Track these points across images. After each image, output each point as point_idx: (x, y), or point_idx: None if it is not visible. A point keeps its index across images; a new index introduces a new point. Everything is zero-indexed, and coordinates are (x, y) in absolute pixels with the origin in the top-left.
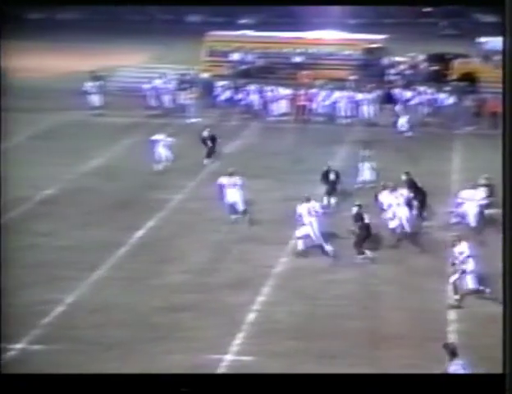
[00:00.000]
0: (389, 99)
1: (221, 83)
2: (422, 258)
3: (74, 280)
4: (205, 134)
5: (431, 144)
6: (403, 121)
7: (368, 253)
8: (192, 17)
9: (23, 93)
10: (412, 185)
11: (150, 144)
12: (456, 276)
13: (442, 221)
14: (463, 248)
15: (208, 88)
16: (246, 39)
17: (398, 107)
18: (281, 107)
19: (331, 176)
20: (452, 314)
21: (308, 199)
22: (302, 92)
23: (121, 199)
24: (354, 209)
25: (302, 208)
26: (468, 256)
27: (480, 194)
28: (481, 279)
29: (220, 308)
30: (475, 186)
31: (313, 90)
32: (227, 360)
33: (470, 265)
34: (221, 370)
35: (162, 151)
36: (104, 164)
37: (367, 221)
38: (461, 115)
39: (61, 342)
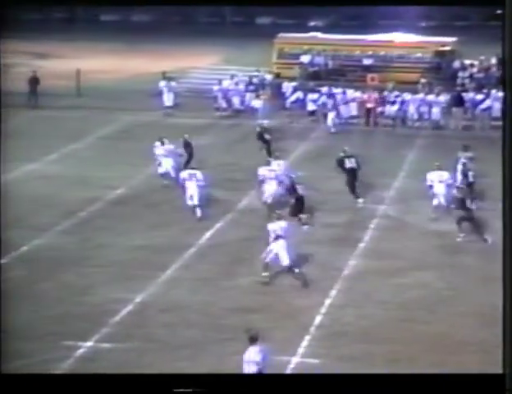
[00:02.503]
0: (459, 102)
1: (291, 85)
2: (495, 265)
3: (144, 279)
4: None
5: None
6: (331, 118)
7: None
8: (263, 19)
9: (97, 94)
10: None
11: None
12: (267, 252)
13: None
14: (278, 226)
15: (277, 90)
16: (316, 41)
17: (329, 102)
18: (351, 109)
19: (266, 136)
20: None
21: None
22: (371, 94)
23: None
24: (288, 180)
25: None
26: (279, 236)
27: (446, 174)
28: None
29: (288, 310)
30: (441, 168)
31: (383, 93)
32: (295, 362)
33: (280, 244)
34: (288, 372)
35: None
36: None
37: (300, 192)
38: None
39: (130, 341)
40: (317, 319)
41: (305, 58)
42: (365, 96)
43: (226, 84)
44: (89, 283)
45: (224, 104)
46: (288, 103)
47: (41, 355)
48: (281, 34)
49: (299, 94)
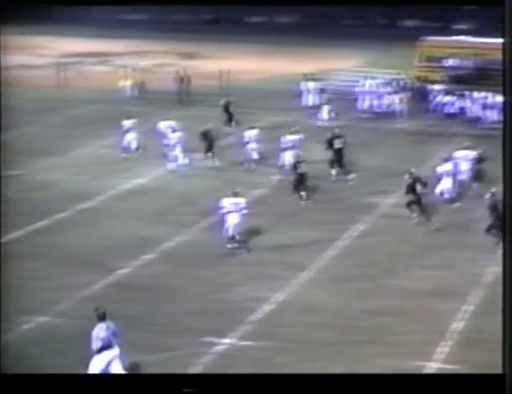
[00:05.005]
0: None
1: (434, 88)
2: None
3: (283, 279)
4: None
5: None
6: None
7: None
8: (407, 22)
9: (240, 94)
10: None
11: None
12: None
13: None
14: (232, 201)
15: (420, 93)
16: (460, 45)
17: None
18: (496, 114)
19: (231, 109)
20: None
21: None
22: None
23: (330, 201)
24: (292, 160)
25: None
26: (232, 211)
27: (472, 153)
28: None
29: (426, 314)
30: (468, 147)
31: None
32: (431, 368)
33: (234, 217)
34: None
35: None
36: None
37: (302, 170)
38: None
39: (268, 340)
40: (455, 325)
41: (449, 62)
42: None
43: (368, 86)
44: (229, 281)
45: (365, 106)
46: (431, 106)
47: (181, 349)
48: (425, 37)
49: (443, 98)
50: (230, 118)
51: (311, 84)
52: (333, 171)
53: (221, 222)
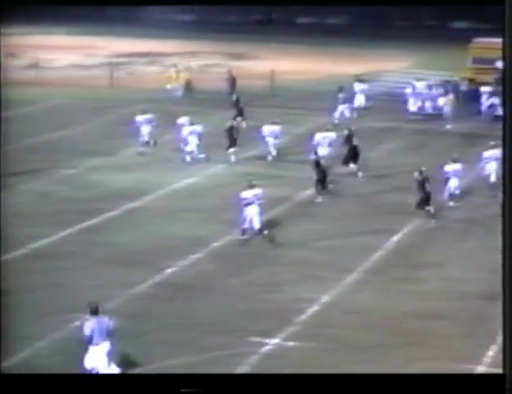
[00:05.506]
0: None
1: (485, 90)
2: None
3: (330, 280)
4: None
5: None
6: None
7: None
8: (458, 23)
9: (289, 94)
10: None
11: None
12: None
13: None
14: (250, 194)
15: (471, 95)
16: None
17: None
18: None
19: (240, 105)
20: None
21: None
22: None
23: (378, 203)
24: (313, 157)
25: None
26: (251, 203)
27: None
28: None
29: (475, 318)
30: (495, 146)
31: None
32: (479, 371)
33: (253, 210)
34: None
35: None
36: (364, 167)
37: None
38: None
39: (314, 341)
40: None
41: (501, 64)
42: None
43: (419, 87)
44: (278, 281)
45: (415, 108)
46: (482, 108)
47: (229, 349)
48: (477, 39)
49: (494, 100)
50: (240, 114)
51: (360, 86)
52: (347, 169)
53: (240, 213)
